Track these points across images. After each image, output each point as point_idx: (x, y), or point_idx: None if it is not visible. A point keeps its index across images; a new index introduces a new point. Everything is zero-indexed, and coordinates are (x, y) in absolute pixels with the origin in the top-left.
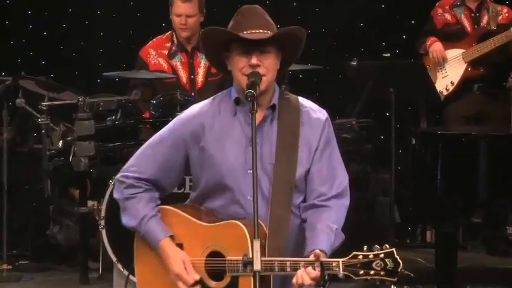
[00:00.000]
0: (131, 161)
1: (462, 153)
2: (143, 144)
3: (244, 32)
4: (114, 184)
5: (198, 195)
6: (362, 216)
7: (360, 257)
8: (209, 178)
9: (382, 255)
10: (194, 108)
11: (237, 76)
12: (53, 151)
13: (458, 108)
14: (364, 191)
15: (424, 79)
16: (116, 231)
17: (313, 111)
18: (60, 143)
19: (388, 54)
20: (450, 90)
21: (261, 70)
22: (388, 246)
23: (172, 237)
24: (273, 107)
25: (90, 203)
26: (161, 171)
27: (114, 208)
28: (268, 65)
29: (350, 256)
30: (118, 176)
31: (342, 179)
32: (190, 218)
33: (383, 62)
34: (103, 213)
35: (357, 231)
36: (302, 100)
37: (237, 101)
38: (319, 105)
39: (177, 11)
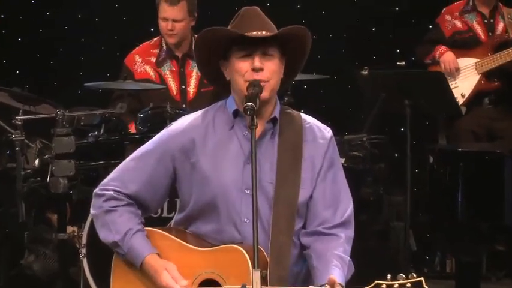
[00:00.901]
0: (112, 174)
1: (486, 172)
2: None
3: (246, 34)
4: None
5: (185, 218)
6: (374, 243)
7: (384, 286)
8: (200, 198)
9: (409, 285)
10: (184, 121)
11: (238, 83)
12: (28, 171)
13: (466, 123)
14: (377, 215)
15: (443, 90)
16: (98, 260)
17: (317, 128)
18: (36, 162)
19: (403, 63)
20: (460, 103)
21: (263, 75)
22: (415, 275)
23: (159, 255)
24: (274, 121)
25: (69, 228)
26: (145, 188)
27: (96, 234)
28: (271, 69)
29: (372, 285)
30: (96, 189)
31: (346, 204)
32: (180, 241)
33: (397, 71)
34: (84, 240)
35: (368, 260)
36: (304, 116)
37: (236, 113)
38: (326, 120)
39: (163, 15)
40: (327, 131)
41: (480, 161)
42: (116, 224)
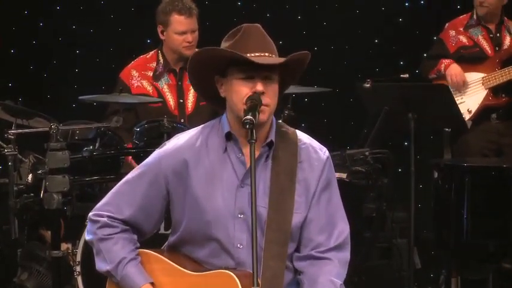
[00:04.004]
0: (106, 198)
1: (492, 188)
2: (124, 177)
3: (249, 55)
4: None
5: (178, 240)
6: (377, 260)
7: None
8: (192, 224)
9: None
10: (177, 141)
11: (236, 105)
12: (21, 186)
13: (474, 139)
14: (380, 232)
15: (448, 103)
16: (93, 278)
17: (313, 148)
18: (30, 177)
19: (407, 75)
20: (467, 119)
21: (265, 100)
22: None
23: (153, 284)
24: (269, 144)
25: (64, 245)
26: (139, 212)
27: (91, 252)
28: (272, 94)
29: None
30: (90, 214)
31: (342, 227)
32: (174, 265)
33: (401, 84)
34: (79, 258)
35: (371, 278)
36: (300, 135)
37: (229, 136)
38: (327, 134)
39: (181, 29)
40: (323, 152)
41: (486, 177)
42: (110, 252)
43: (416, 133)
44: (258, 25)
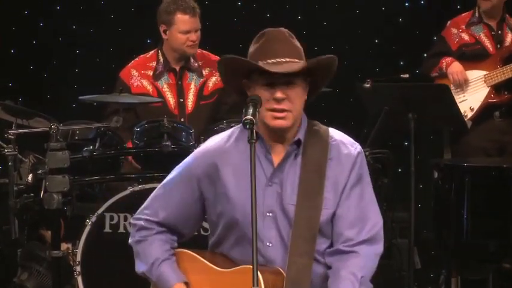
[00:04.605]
0: (146, 202)
1: (493, 188)
2: (124, 178)
3: (269, 61)
4: (91, 224)
5: (215, 241)
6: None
7: None
8: (225, 223)
9: None
10: (210, 143)
11: (260, 111)
12: (21, 186)
13: (476, 138)
14: None
15: (448, 103)
16: (93, 278)
17: (344, 145)
18: (30, 177)
19: (407, 75)
20: (469, 117)
21: (286, 105)
22: None
23: (187, 284)
24: (297, 142)
25: (64, 245)
26: (175, 213)
27: (91, 252)
28: (294, 98)
29: None
30: (131, 218)
31: (375, 221)
32: (207, 263)
33: (401, 84)
34: (79, 258)
35: (371, 278)
36: (333, 132)
37: (257, 136)
38: None
39: (185, 28)
40: (354, 148)
41: (486, 177)
42: (145, 253)
43: (416, 133)
44: (282, 29)
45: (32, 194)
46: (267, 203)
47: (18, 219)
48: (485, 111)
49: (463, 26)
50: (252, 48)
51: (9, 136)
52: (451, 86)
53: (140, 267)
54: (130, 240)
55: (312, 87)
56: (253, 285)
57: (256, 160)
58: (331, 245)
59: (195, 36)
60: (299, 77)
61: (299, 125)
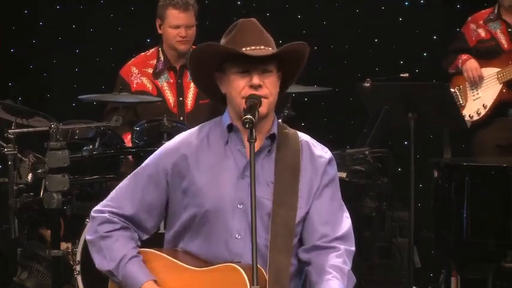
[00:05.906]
0: (109, 195)
1: (492, 188)
2: (124, 177)
3: (244, 49)
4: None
5: (173, 235)
6: (377, 260)
7: None
8: (191, 213)
9: None
10: (178, 137)
11: (235, 99)
12: (21, 186)
13: (490, 136)
14: (380, 232)
15: (448, 103)
16: (93, 278)
17: (315, 148)
18: (29, 177)
19: (407, 75)
20: (482, 115)
21: (263, 91)
22: None
23: (155, 282)
24: (272, 137)
25: (63, 245)
26: (140, 207)
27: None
28: (270, 86)
29: None
30: (92, 211)
31: (346, 222)
32: (176, 261)
33: (401, 84)
34: (78, 257)
35: (371, 277)
36: (302, 135)
37: (230, 128)
38: (327, 133)
39: (175, 23)
40: (325, 152)
41: (486, 176)
42: (111, 250)
43: (416, 133)
44: (254, 19)
45: (31, 194)
46: (238, 195)
47: (18, 218)
48: (498, 108)
49: (481, 22)
50: (224, 39)
51: (9, 135)
52: (466, 83)
53: (103, 265)
54: (90, 237)
55: (283, 81)
56: (253, 285)
57: (230, 153)
58: (301, 243)
59: (184, 32)
60: (273, 65)
61: (273, 119)
